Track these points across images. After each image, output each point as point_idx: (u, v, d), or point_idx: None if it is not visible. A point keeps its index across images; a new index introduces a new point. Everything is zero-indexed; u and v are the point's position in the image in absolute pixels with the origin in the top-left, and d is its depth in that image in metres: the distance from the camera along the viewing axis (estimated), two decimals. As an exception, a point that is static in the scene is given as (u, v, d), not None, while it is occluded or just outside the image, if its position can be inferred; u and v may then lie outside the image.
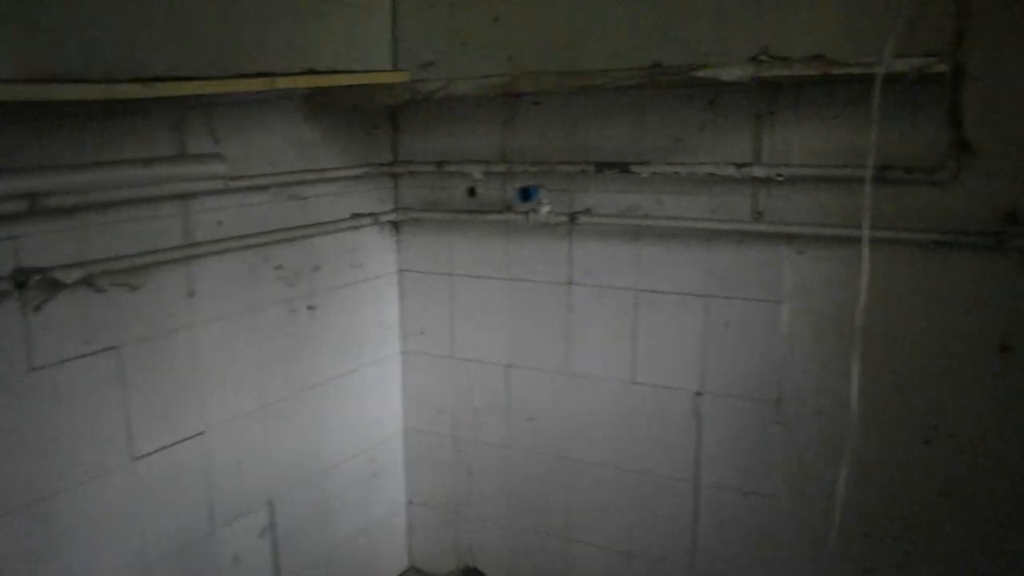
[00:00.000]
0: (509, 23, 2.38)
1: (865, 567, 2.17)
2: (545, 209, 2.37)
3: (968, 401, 2.00)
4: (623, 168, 2.25)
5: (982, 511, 2.03)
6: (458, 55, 2.47)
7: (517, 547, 2.73)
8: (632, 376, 2.43)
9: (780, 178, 2.07)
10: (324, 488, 2.57)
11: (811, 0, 1.97)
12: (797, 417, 2.19)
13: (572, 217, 2.36)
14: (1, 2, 1.55)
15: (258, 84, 1.99)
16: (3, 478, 1.72)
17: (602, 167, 2.28)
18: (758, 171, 2.08)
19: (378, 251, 2.71)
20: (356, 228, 2.59)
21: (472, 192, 2.58)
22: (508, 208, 2.49)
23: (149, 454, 2.01)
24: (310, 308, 2.44)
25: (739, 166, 2.10)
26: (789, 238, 2.12)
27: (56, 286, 1.75)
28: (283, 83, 2.07)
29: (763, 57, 1.98)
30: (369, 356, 2.71)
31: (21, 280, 1.68)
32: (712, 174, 2.15)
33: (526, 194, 2.36)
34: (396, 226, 2.74)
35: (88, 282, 1.82)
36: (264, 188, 2.24)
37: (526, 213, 2.39)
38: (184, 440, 2.10)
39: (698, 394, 2.34)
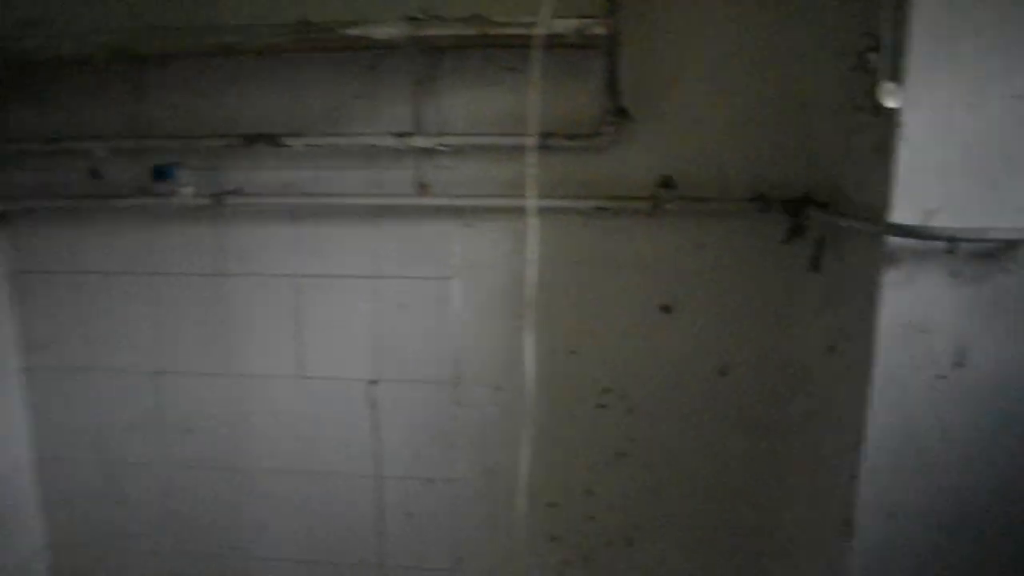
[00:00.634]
0: (129, -31, 2.06)
1: (553, 535, 2.22)
2: (187, 190, 2.08)
3: (636, 362, 2.10)
4: (274, 141, 2.03)
5: (653, 469, 2.16)
6: (70, 8, 2.10)
7: (189, 576, 2.45)
8: (300, 370, 2.24)
9: (444, 148, 2.00)
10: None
11: (469, -41, 1.92)
12: (477, 396, 2.17)
13: (219, 198, 2.10)
14: None
15: None
16: None
17: (252, 140, 2.05)
18: (421, 141, 1.99)
19: (-23, 249, 2.25)
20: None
21: (96, 174, 2.21)
22: (143, 191, 2.16)
23: None
24: None
25: (400, 136, 2.00)
26: (457, 211, 2.06)
27: None
28: None
29: (420, 16, 1.89)
30: (-28, 379, 2.25)
31: None
32: (373, 145, 2.02)
33: (162, 173, 2.07)
34: (3, 218, 2.29)
35: None
36: None
37: (165, 196, 2.10)
38: None
39: (373, 383, 2.22)
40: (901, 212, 1.60)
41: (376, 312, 2.16)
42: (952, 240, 1.58)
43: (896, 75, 1.56)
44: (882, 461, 1.75)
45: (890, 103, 1.54)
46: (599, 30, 1.81)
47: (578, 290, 2.06)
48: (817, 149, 1.92)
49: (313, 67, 2.05)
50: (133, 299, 2.27)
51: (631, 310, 2.05)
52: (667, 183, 1.95)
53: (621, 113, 1.93)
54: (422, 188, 2.05)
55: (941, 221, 1.59)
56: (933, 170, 1.59)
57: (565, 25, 1.79)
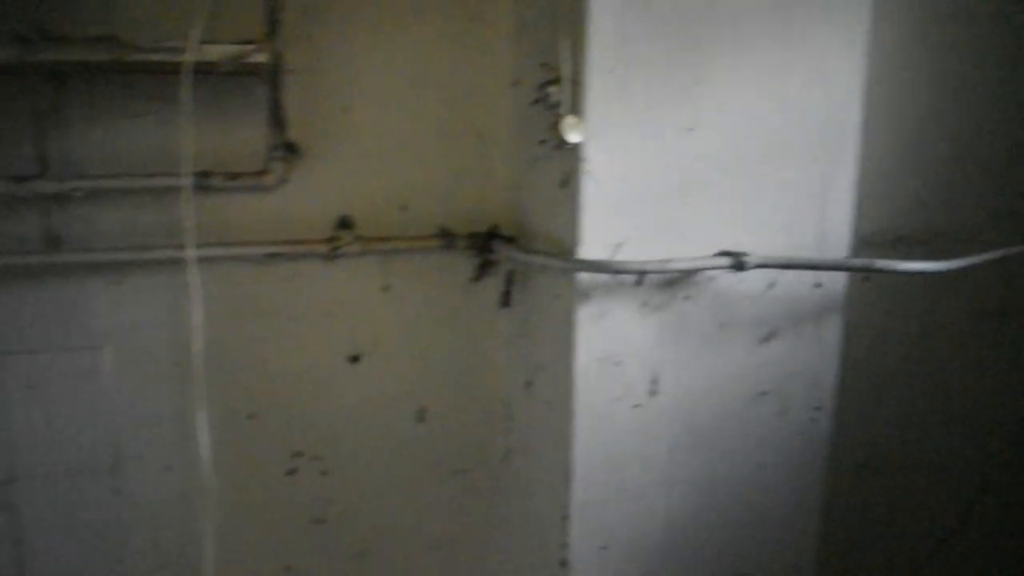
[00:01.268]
0: None
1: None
2: None
3: (326, 419, 1.94)
4: None
5: (357, 531, 2.02)
6: None
7: None
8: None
9: (79, 194, 1.71)
10: None
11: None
12: (143, 481, 1.88)
13: None
14: None
15: None
16: None
17: None
18: (47, 186, 1.68)
19: None
20: None
21: None
22: None
23: None
24: None
25: (20, 180, 1.69)
26: (99, 267, 1.76)
27: None
28: None
29: (33, 36, 1.60)
30: None
31: None
32: (-18, 193, 1.68)
33: None
34: None
35: None
36: None
37: None
38: None
39: (8, 483, 1.84)
40: (589, 247, 1.62)
41: (3, 397, 1.80)
42: (640, 273, 1.63)
43: (576, 109, 1.58)
44: (591, 495, 1.77)
45: (572, 137, 1.55)
46: (260, 57, 1.64)
47: (255, 346, 1.86)
48: (503, 183, 1.91)
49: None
50: None
51: (316, 363, 1.90)
52: (345, 223, 1.84)
53: (289, 148, 1.76)
54: (53, 242, 1.75)
55: (628, 254, 1.64)
56: (617, 203, 1.63)
57: (219, 52, 1.59)
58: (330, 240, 1.81)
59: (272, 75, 1.72)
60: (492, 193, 1.90)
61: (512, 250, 1.82)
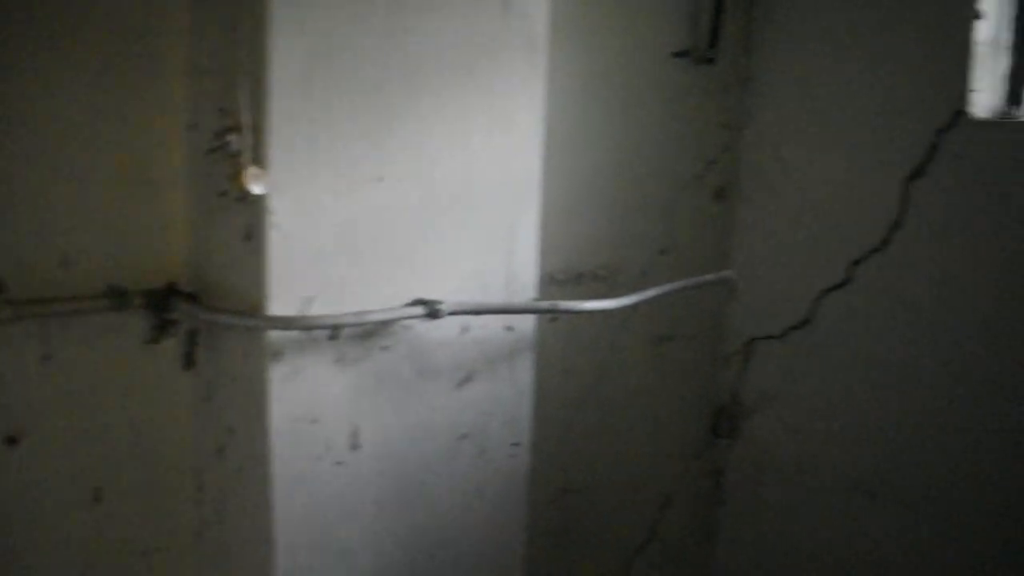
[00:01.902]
0: None
1: None
2: None
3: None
4: None
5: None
6: None
7: None
8: None
9: None
10: None
11: None
12: None
13: None
14: None
15: None
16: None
17: None
18: None
19: None
20: None
21: None
22: None
23: None
24: None
25: None
26: None
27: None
28: None
29: None
30: None
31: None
32: None
33: None
34: None
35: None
36: None
37: None
38: None
39: None
40: (278, 302, 1.57)
41: None
42: (333, 327, 1.60)
43: (259, 159, 1.52)
44: (297, 560, 1.70)
45: (255, 189, 1.49)
46: None
47: None
48: (181, 235, 1.79)
49: None
50: None
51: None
52: (-5, 286, 1.62)
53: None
54: None
55: (321, 308, 1.60)
56: (307, 257, 1.59)
57: None
58: None
59: None
60: (169, 246, 1.77)
61: (193, 308, 1.70)
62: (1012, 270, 2.26)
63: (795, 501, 2.67)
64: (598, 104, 2.33)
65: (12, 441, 1.68)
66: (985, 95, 2.36)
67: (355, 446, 1.72)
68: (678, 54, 2.46)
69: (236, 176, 1.52)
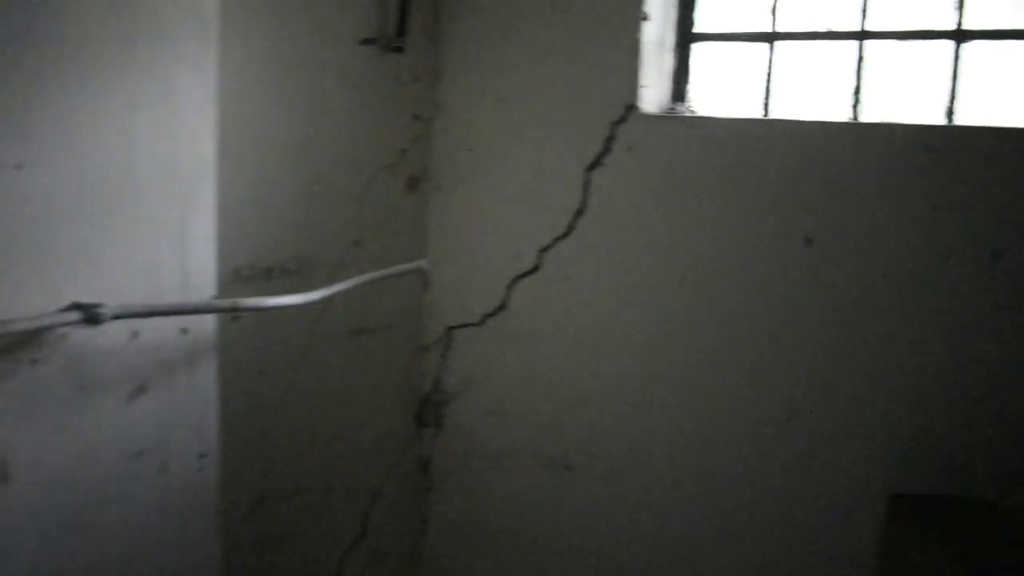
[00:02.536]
0: None
1: None
2: None
3: None
4: None
5: None
6: None
7: None
8: None
9: None
10: None
11: None
12: None
13: None
14: None
15: None
16: None
17: None
18: None
19: None
20: None
21: None
22: None
23: None
24: None
25: None
26: None
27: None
28: None
29: None
30: None
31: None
32: None
33: None
34: None
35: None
36: None
37: None
38: None
39: None
40: None
41: None
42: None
43: None
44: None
45: None
46: None
47: None
48: None
49: None
50: None
51: None
52: None
53: None
54: None
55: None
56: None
57: None
58: None
59: None
60: None
61: None
62: (678, 249, 2.49)
63: (499, 483, 2.76)
64: (282, 91, 2.24)
65: None
66: (653, 91, 2.58)
67: (5, 478, 1.51)
68: (366, 41, 2.43)
69: None
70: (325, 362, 2.43)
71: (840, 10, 2.48)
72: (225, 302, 1.73)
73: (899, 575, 2.00)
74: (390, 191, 2.57)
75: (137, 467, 1.71)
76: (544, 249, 2.61)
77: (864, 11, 2.44)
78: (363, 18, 2.43)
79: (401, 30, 2.51)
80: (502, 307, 2.68)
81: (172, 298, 1.68)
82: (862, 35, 2.45)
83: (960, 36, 2.38)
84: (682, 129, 2.49)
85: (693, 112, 2.60)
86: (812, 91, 2.54)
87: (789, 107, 2.55)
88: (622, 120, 2.51)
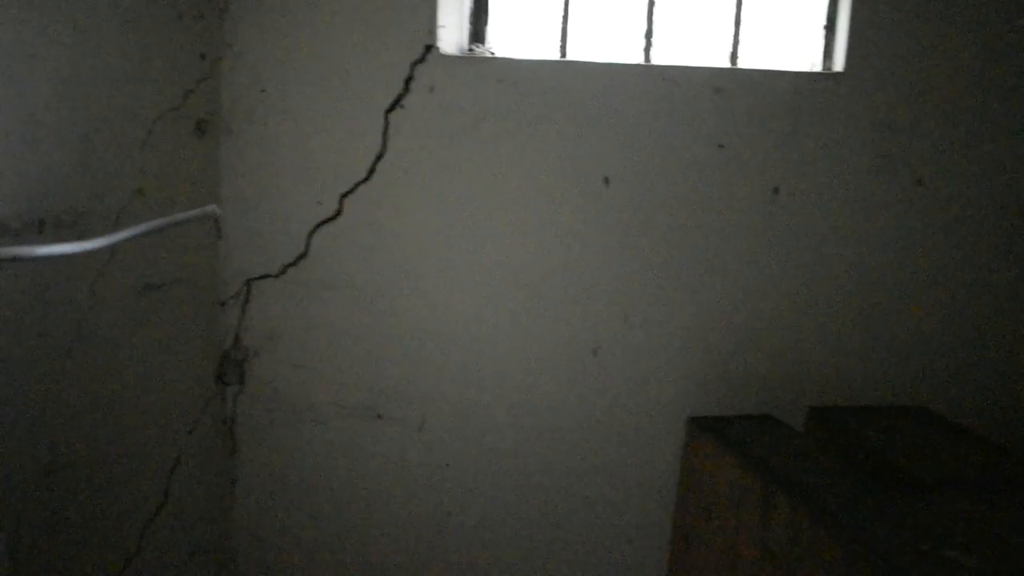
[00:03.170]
0: None
1: None
2: None
3: None
4: None
5: None
6: None
7: None
8: None
9: None
10: None
11: None
12: None
13: None
14: None
15: None
16: None
17: None
18: None
19: None
20: None
21: None
22: None
23: None
24: None
25: None
26: None
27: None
28: None
29: None
30: None
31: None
32: None
33: None
34: None
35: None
36: None
37: None
38: None
39: None
40: None
41: None
42: None
43: None
44: None
45: None
46: None
47: None
48: None
49: None
50: None
51: None
52: None
53: None
54: None
55: None
56: None
57: None
58: None
59: None
60: None
61: None
62: (482, 191, 2.52)
63: (309, 437, 2.72)
64: (45, 27, 2.04)
65: None
66: (452, 32, 2.56)
67: None
68: (141, -29, 2.25)
69: None
70: (112, 321, 2.27)
71: (632, -47, 2.56)
72: (-16, 253, 1.57)
73: (697, 480, 2.16)
74: (176, 136, 2.42)
75: None
76: (346, 194, 2.56)
77: (654, -45, 2.53)
78: (136, -54, 2.25)
79: (182, -39, 2.35)
80: (303, 256, 2.60)
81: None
82: (652, -21, 2.54)
83: (741, -18, 2.52)
84: (481, 70, 2.49)
85: (492, 53, 2.61)
86: (607, 34, 2.61)
87: (586, 49, 2.61)
88: (421, 60, 2.48)
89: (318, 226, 2.58)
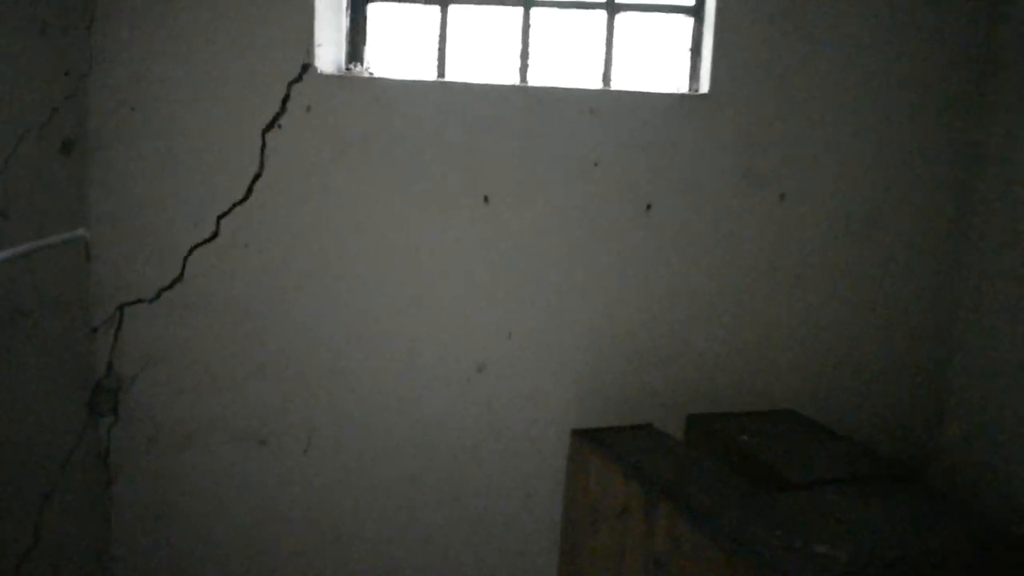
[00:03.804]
0: None
1: None
2: None
3: None
4: None
5: None
6: None
7: None
8: None
9: None
10: None
11: None
12: None
13: None
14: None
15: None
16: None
17: None
18: None
19: None
20: None
21: None
22: None
23: None
24: None
25: None
26: None
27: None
28: None
29: None
30: None
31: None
32: None
33: None
34: None
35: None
36: None
37: None
38: None
39: None
40: None
41: None
42: None
43: None
44: None
45: None
46: None
47: None
48: None
49: None
50: None
51: None
52: None
53: None
54: None
55: None
56: None
57: None
58: None
59: None
60: None
61: None
62: (361, 211, 2.51)
63: (188, 465, 2.64)
64: None
65: None
66: (330, 50, 2.54)
67: None
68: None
69: None
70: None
71: (506, -23, 2.60)
72: None
73: (583, 491, 2.20)
74: (40, 155, 2.30)
75: None
76: (222, 215, 2.50)
77: (528, -21, 2.58)
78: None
79: (43, -27, 2.24)
80: (179, 279, 2.53)
81: None
82: (527, 3, 2.59)
83: (612, 8, 2.59)
84: (359, 90, 2.49)
85: (371, 73, 2.60)
86: (484, 55, 2.64)
87: (463, 70, 2.64)
88: (298, 79, 2.46)
89: (194, 248, 2.51)
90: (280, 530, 2.68)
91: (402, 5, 2.66)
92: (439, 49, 2.63)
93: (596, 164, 2.50)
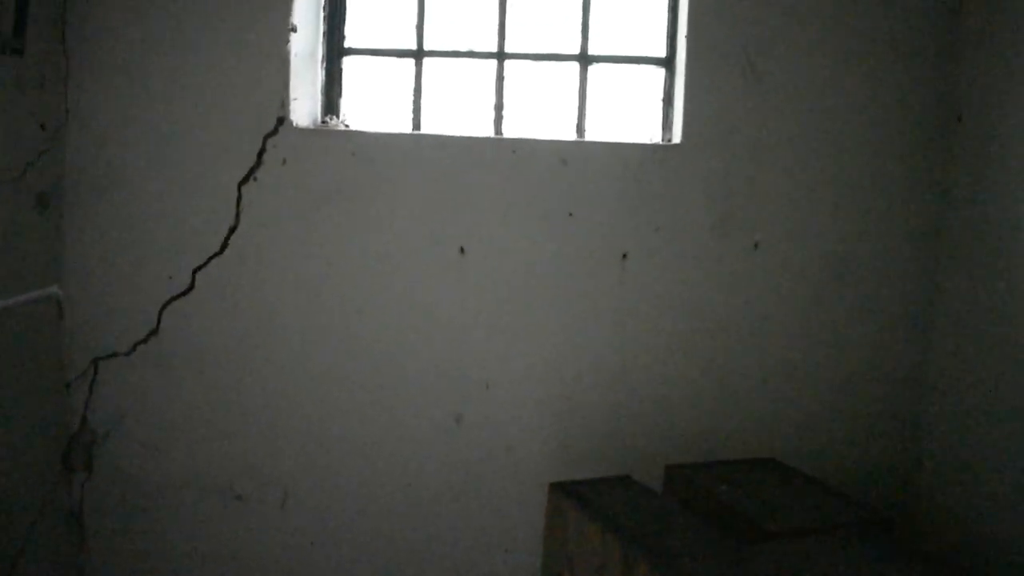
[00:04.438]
0: None
1: None
2: None
3: None
4: None
5: None
6: None
7: None
8: None
9: None
10: None
11: None
12: None
13: None
14: None
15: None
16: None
17: None
18: None
19: None
20: None
21: None
22: None
23: None
24: None
25: None
26: None
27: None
28: None
29: None
30: None
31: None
32: None
33: None
34: None
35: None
36: None
37: None
38: None
39: None
40: None
41: None
42: None
43: None
44: None
45: None
46: None
47: None
48: None
49: None
50: None
51: None
52: None
53: None
54: None
55: None
56: None
57: None
58: None
59: None
60: None
61: None
62: (337, 263, 2.50)
63: (163, 521, 2.60)
64: None
65: None
66: (305, 103, 2.55)
67: None
68: (-26, 42, 2.14)
69: None
70: None
71: (482, 32, 2.62)
72: None
73: (561, 545, 2.19)
74: (15, 209, 2.29)
75: None
76: (198, 268, 2.50)
77: (502, 34, 2.60)
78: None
79: (19, 29, 2.24)
80: (154, 332, 2.51)
81: None
82: (501, 56, 2.61)
83: (585, 60, 2.62)
84: (335, 143, 2.50)
85: (346, 126, 2.61)
86: (459, 107, 2.66)
87: (438, 122, 2.65)
88: (274, 133, 2.48)
89: (169, 301, 2.50)
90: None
91: (377, 58, 2.69)
92: (414, 101, 2.65)
93: (571, 214, 2.51)
